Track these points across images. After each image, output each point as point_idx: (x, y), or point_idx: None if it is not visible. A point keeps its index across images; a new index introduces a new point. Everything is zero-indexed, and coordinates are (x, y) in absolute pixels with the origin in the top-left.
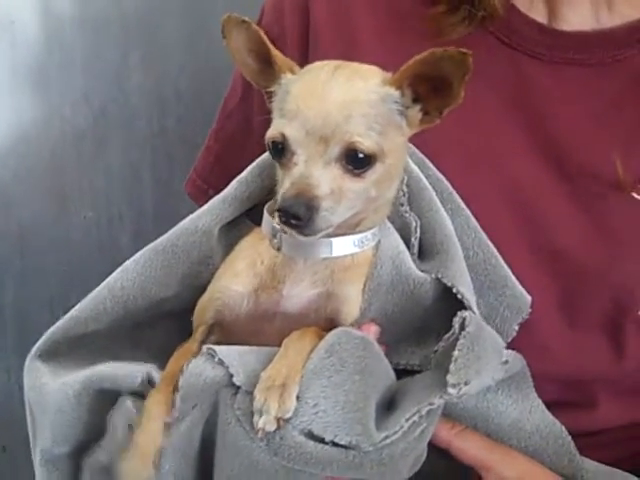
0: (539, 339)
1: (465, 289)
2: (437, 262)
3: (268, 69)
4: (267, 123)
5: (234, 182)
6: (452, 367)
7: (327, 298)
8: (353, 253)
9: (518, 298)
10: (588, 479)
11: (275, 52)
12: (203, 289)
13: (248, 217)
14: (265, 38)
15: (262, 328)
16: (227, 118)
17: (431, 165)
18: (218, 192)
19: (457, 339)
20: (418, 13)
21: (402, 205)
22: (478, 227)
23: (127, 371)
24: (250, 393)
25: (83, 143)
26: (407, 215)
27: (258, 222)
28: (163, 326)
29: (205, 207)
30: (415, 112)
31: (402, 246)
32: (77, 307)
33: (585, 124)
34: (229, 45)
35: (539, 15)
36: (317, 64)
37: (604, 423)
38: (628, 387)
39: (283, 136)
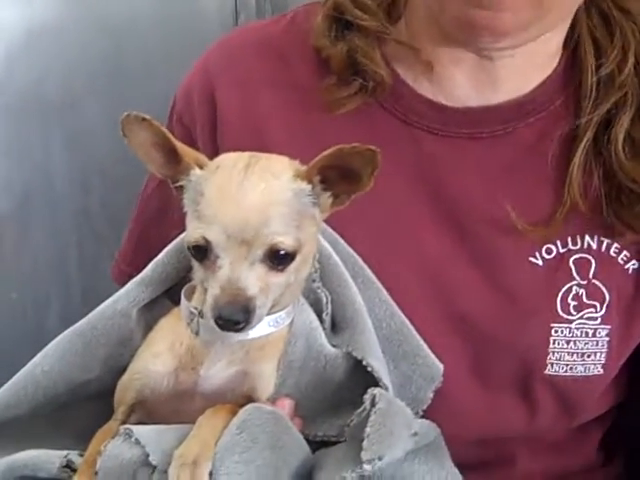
0: (453, 403)
1: (375, 361)
2: (347, 336)
3: (175, 162)
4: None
5: (151, 264)
6: (365, 444)
7: (243, 377)
8: (268, 333)
9: (430, 367)
10: None
11: (180, 146)
12: (124, 370)
13: (167, 296)
14: (168, 133)
15: (182, 407)
16: (147, 200)
17: (342, 241)
18: None
19: (368, 415)
20: (316, 86)
21: (314, 281)
22: (389, 299)
23: (45, 457)
24: (165, 472)
25: (7, 226)
26: (319, 291)
27: (177, 301)
28: (85, 408)
29: (123, 289)
30: (326, 198)
31: (315, 322)
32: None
33: (482, 192)
34: (131, 143)
35: (427, 91)
36: (226, 159)
37: (523, 479)
38: (544, 442)
39: (206, 240)
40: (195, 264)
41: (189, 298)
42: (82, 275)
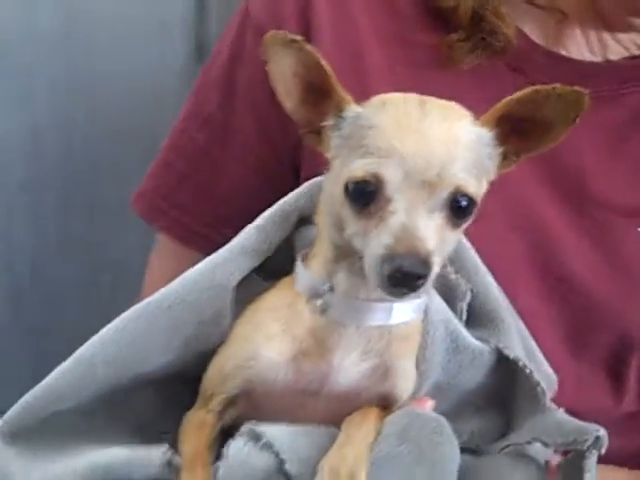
0: None
1: (529, 362)
2: (491, 331)
3: (314, 101)
4: (249, 142)
5: (251, 230)
6: None
7: (383, 372)
8: (409, 320)
9: (549, 374)
10: None
11: (335, 79)
12: (207, 354)
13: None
14: (323, 61)
15: (302, 404)
16: (198, 130)
17: None
18: (184, 213)
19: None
20: (427, 41)
21: (445, 266)
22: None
23: (140, 455)
24: None
25: None
26: (454, 277)
27: (271, 274)
28: (144, 397)
29: (218, 258)
30: (498, 156)
31: (449, 311)
32: (51, 377)
33: (593, 155)
34: (272, 69)
35: (548, 43)
36: (391, 96)
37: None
38: (626, 425)
39: (377, 178)
40: (348, 213)
41: (305, 264)
42: None
